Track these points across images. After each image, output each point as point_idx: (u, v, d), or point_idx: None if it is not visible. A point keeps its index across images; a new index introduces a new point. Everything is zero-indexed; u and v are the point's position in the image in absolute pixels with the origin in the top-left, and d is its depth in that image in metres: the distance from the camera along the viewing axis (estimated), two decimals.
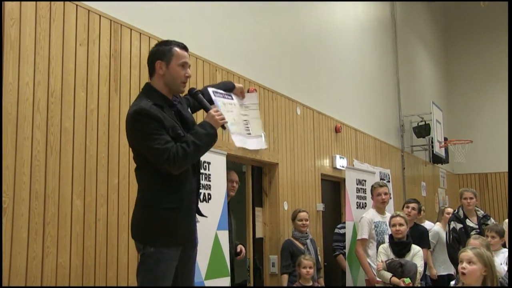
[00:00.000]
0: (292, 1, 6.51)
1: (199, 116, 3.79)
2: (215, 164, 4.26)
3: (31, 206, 3.05)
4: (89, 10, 3.58)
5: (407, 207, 6.24)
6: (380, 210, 5.56)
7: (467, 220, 5.74)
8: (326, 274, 6.18)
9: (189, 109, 3.06)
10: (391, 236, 5.08)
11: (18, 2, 3.10)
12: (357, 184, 6.25)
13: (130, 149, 2.91)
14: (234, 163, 5.37)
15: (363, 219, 5.45)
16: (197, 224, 2.99)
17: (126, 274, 3.64)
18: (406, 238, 5.00)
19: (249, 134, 3.15)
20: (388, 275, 4.80)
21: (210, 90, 3.08)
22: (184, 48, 2.90)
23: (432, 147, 11.11)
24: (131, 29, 3.93)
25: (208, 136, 2.80)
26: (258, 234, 5.68)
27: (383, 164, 8.93)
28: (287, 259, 5.27)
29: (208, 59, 4.77)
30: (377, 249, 5.20)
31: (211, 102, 3.05)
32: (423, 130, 10.69)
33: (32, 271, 3.03)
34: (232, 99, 3.18)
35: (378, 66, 9.71)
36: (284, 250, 5.34)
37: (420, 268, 4.89)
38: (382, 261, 4.92)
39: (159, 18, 4.26)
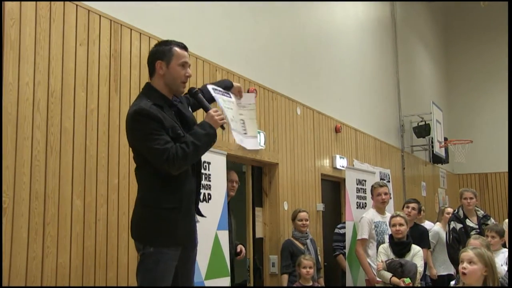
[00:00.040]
0: (292, 1, 6.51)
1: (199, 116, 3.79)
2: (215, 164, 4.26)
3: (31, 206, 3.05)
4: (89, 10, 3.58)
5: (407, 207, 6.24)
6: (380, 210, 5.56)
7: (467, 220, 5.74)
8: (326, 274, 6.18)
9: (189, 108, 3.06)
10: (391, 236, 5.08)
11: (18, 2, 3.10)
12: (357, 184, 6.25)
13: (130, 149, 2.92)
14: (234, 163, 5.37)
15: (363, 219, 5.45)
16: (197, 224, 2.99)
17: (126, 274, 3.64)
18: (406, 238, 5.00)
19: (245, 133, 3.16)
20: (388, 275, 4.80)
21: (210, 87, 3.09)
22: (184, 47, 2.91)
23: (432, 147, 11.11)
24: (131, 29, 3.93)
25: (208, 136, 2.81)
26: (258, 234, 5.68)
27: (383, 164, 8.93)
28: (287, 259, 5.27)
29: (208, 59, 4.77)
30: (377, 249, 5.20)
31: (211, 100, 3.06)
32: (423, 130, 10.69)
33: (32, 271, 3.03)
34: (230, 97, 3.19)
35: (378, 66, 9.71)
36: (284, 250, 5.34)
37: (420, 268, 4.89)
38: (382, 261, 4.92)
39: (159, 18, 4.26)
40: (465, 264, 3.25)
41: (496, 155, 13.68)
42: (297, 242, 5.40)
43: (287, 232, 5.71)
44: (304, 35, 6.83)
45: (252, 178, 5.68)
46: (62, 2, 3.38)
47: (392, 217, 5.14)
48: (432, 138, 10.96)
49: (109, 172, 3.61)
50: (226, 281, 4.28)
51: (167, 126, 2.72)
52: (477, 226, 5.68)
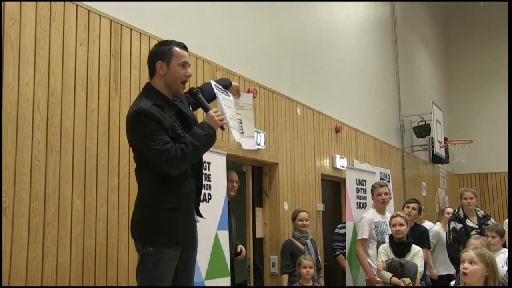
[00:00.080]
0: (292, 1, 6.51)
1: (199, 116, 3.78)
2: (215, 164, 4.26)
3: (31, 206, 3.05)
4: (89, 10, 3.58)
5: (407, 207, 6.23)
6: (380, 210, 5.56)
7: (467, 220, 5.74)
8: (326, 274, 6.18)
9: (190, 107, 3.07)
10: (391, 236, 5.07)
11: (18, 2, 3.10)
12: (357, 184, 6.25)
13: (131, 149, 2.92)
14: (234, 163, 5.37)
15: (363, 219, 5.44)
16: (197, 224, 2.99)
17: (126, 274, 3.64)
18: (406, 238, 5.00)
19: (242, 133, 3.18)
20: (388, 275, 4.80)
21: (213, 83, 3.12)
22: (184, 47, 2.91)
23: (432, 147, 11.11)
24: (131, 29, 3.93)
25: (207, 137, 2.81)
26: (258, 234, 5.68)
27: (383, 164, 8.93)
28: (287, 259, 5.27)
29: (208, 59, 4.77)
30: (377, 249, 5.20)
31: (210, 99, 3.09)
32: (423, 130, 10.69)
33: (32, 271, 3.03)
34: (229, 96, 3.22)
35: (378, 66, 9.71)
36: (284, 250, 5.34)
37: (420, 268, 4.89)
38: (382, 261, 4.91)
39: (159, 18, 4.26)
40: (466, 264, 3.25)
41: (496, 155, 13.68)
42: (297, 242, 5.40)
43: (287, 232, 5.71)
44: (304, 35, 6.83)
45: (252, 178, 5.68)
46: (62, 2, 3.38)
47: (392, 217, 5.14)
48: (432, 138, 10.96)
49: (109, 172, 3.61)
50: (226, 281, 4.28)
51: (167, 126, 2.73)
52: (477, 226, 5.68)
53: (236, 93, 3.32)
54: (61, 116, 3.30)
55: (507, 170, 12.77)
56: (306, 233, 5.52)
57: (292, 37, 6.49)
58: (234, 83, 3.36)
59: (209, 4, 4.89)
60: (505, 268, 4.42)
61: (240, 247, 4.72)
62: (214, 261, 4.10)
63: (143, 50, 3.97)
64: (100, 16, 3.66)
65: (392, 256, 4.95)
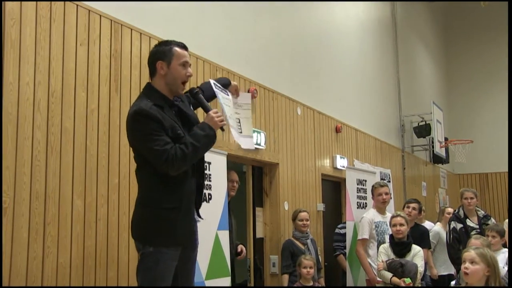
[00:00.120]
0: (292, 1, 6.51)
1: (199, 116, 3.78)
2: (215, 164, 4.26)
3: (31, 206, 3.05)
4: (89, 10, 3.58)
5: (408, 207, 6.23)
6: (381, 210, 5.56)
7: (468, 220, 5.74)
8: (326, 274, 6.18)
9: (191, 107, 3.07)
10: (391, 236, 5.07)
11: (19, 2, 3.10)
12: (357, 184, 6.25)
13: (131, 149, 2.92)
14: (235, 163, 5.37)
15: (364, 219, 5.44)
16: (198, 224, 2.98)
17: (126, 274, 3.64)
18: (406, 238, 5.00)
19: (240, 132, 3.19)
20: (388, 275, 4.80)
21: (212, 81, 3.13)
22: (184, 47, 2.92)
23: (433, 147, 11.11)
24: (131, 29, 3.93)
25: (207, 137, 2.81)
26: (259, 234, 5.68)
27: (384, 164, 8.93)
28: (288, 259, 5.27)
29: (208, 59, 4.77)
30: (378, 249, 5.20)
31: (210, 99, 3.11)
32: (423, 130, 10.69)
33: (33, 271, 3.03)
34: (228, 95, 3.23)
35: (379, 66, 9.71)
36: (285, 250, 5.34)
37: (421, 268, 4.89)
38: (382, 261, 4.91)
39: (160, 18, 4.26)
40: (467, 264, 3.24)
41: (497, 155, 13.68)
42: (297, 242, 5.40)
43: (288, 232, 5.71)
44: (304, 35, 6.83)
45: (253, 178, 5.68)
46: (62, 2, 3.38)
47: (392, 217, 5.13)
48: (433, 138, 10.96)
49: (110, 172, 3.61)
50: (227, 281, 4.28)
51: (167, 126, 2.73)
52: (477, 226, 5.68)
53: (235, 92, 3.34)
54: (61, 116, 3.30)
55: (507, 170, 12.76)
56: (307, 233, 5.52)
57: (292, 37, 6.49)
58: (233, 82, 3.38)
59: (209, 4, 4.89)
60: (506, 268, 4.42)
61: (240, 247, 4.72)
62: (214, 261, 4.10)
63: (143, 50, 3.97)
64: (100, 16, 3.66)
65: (392, 256, 4.95)
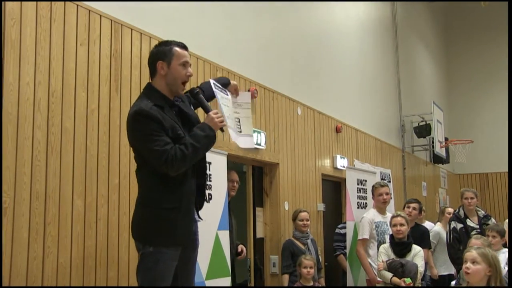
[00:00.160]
0: (292, 1, 6.51)
1: (199, 116, 3.78)
2: (215, 164, 4.26)
3: (31, 206, 3.05)
4: (89, 10, 3.58)
5: (408, 207, 6.23)
6: (381, 210, 5.56)
7: (468, 220, 5.74)
8: (326, 274, 6.18)
9: (191, 107, 3.07)
10: (391, 236, 5.07)
11: (19, 2, 3.10)
12: (357, 184, 6.25)
13: (131, 149, 2.92)
14: (235, 163, 5.37)
15: (364, 219, 5.44)
16: (198, 224, 2.98)
17: (127, 274, 3.64)
18: (407, 238, 5.00)
19: (240, 132, 3.19)
20: (388, 275, 4.80)
21: (211, 81, 3.14)
22: (184, 47, 2.92)
23: (433, 147, 11.11)
24: (131, 29, 3.93)
25: (207, 138, 2.82)
26: (259, 234, 5.68)
27: (384, 164, 8.92)
28: (288, 259, 5.27)
29: (208, 59, 4.77)
30: (378, 249, 5.19)
31: (210, 98, 3.11)
32: (423, 130, 10.69)
33: (33, 271, 3.03)
34: (227, 95, 3.23)
35: (379, 66, 9.71)
36: (285, 250, 5.34)
37: (421, 268, 4.89)
38: (382, 261, 4.91)
39: (160, 18, 4.26)
40: (468, 264, 3.24)
41: (497, 155, 13.68)
42: (297, 242, 5.40)
43: (288, 232, 5.71)
44: (305, 35, 6.83)
45: (253, 178, 5.68)
46: (62, 2, 3.38)
47: (392, 217, 5.13)
48: (433, 138, 10.95)
49: (110, 172, 3.61)
50: (227, 281, 4.28)
51: (167, 126, 2.73)
52: (477, 226, 5.68)
53: (235, 92, 3.36)
54: (61, 116, 3.30)
55: (507, 170, 12.76)
56: (307, 233, 5.52)
57: (292, 37, 6.49)
58: (233, 82, 3.39)
59: (209, 4, 4.89)
60: (506, 268, 4.42)
61: (240, 247, 4.72)
62: (214, 261, 4.10)
63: (143, 50, 3.97)
64: (100, 16, 3.66)
65: (392, 256, 4.95)
